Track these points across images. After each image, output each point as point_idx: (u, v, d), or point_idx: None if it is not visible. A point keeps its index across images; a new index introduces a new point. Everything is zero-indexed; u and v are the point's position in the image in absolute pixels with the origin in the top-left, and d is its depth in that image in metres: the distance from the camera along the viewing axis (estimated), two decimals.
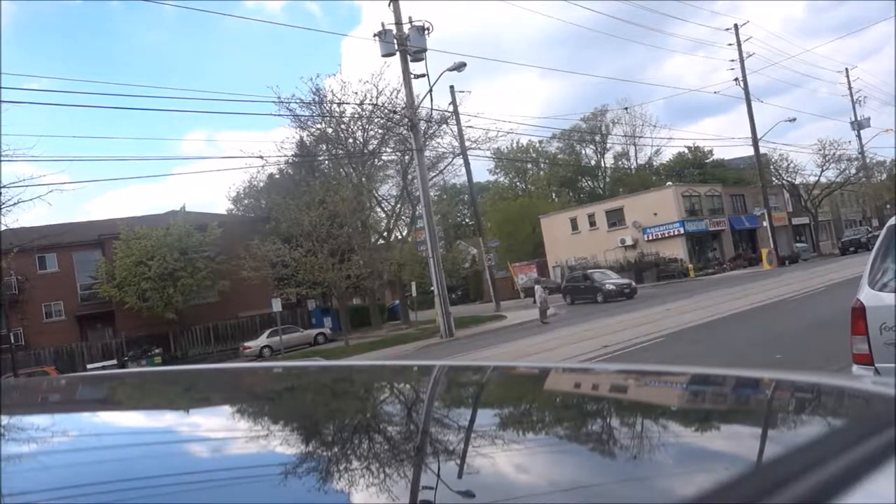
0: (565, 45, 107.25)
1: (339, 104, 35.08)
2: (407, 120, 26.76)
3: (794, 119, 48.55)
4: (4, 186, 26.02)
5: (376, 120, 34.42)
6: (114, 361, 33.34)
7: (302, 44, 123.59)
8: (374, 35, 24.58)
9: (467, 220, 62.42)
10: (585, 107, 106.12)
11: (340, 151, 37.66)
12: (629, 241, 47.92)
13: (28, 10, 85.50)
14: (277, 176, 43.71)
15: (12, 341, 31.32)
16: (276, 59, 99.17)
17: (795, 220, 53.42)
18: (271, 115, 44.93)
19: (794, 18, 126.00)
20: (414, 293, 33.82)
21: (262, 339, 33.42)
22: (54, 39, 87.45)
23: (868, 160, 56.68)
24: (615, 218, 50.26)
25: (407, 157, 33.84)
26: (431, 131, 35.16)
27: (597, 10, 79.80)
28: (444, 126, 36.86)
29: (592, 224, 51.60)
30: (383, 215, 40.59)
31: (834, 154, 51.21)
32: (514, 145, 70.23)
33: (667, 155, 73.30)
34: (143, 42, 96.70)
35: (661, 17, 72.60)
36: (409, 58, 25.01)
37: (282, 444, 1.03)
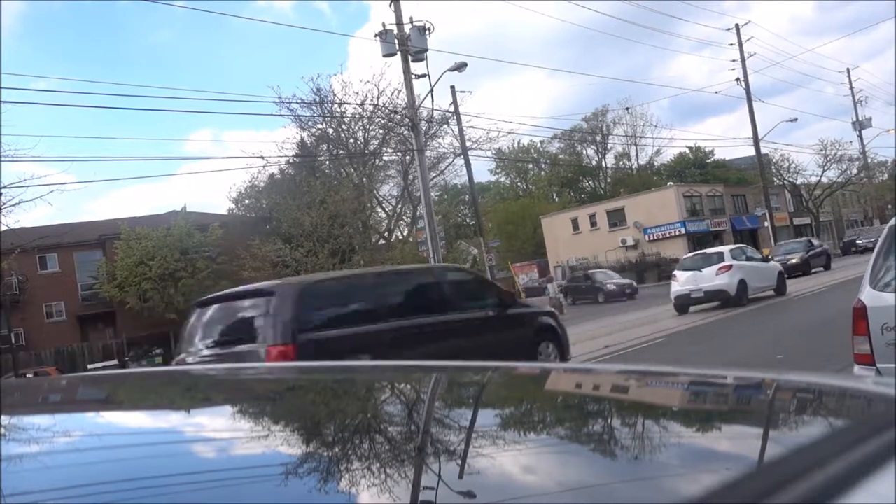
0: (574, 44, 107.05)
1: (339, 104, 35.14)
2: (408, 120, 26.78)
3: (796, 119, 48.51)
4: (5, 187, 25.98)
5: (377, 120, 34.46)
6: (115, 362, 33.35)
7: (310, 43, 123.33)
8: (375, 35, 24.63)
9: (468, 221, 62.28)
10: (591, 106, 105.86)
11: (341, 151, 37.68)
12: (630, 242, 47.91)
13: (32, 10, 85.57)
14: (278, 176, 43.69)
15: (13, 341, 31.35)
16: (283, 59, 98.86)
17: (797, 221, 53.40)
18: (272, 115, 45.04)
19: (802, 17, 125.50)
20: None
21: None
22: (58, 38, 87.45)
23: (870, 160, 56.68)
24: (616, 218, 50.26)
25: (408, 158, 33.82)
26: (432, 131, 35.19)
27: (604, 11, 79.97)
28: (445, 126, 36.95)
29: (593, 224, 51.59)
30: (384, 215, 40.61)
31: (835, 154, 51.28)
32: (516, 145, 70.24)
33: (668, 155, 73.37)
34: (147, 41, 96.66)
35: (667, 18, 72.72)
36: (409, 58, 25.04)
37: (283, 444, 1.03)
